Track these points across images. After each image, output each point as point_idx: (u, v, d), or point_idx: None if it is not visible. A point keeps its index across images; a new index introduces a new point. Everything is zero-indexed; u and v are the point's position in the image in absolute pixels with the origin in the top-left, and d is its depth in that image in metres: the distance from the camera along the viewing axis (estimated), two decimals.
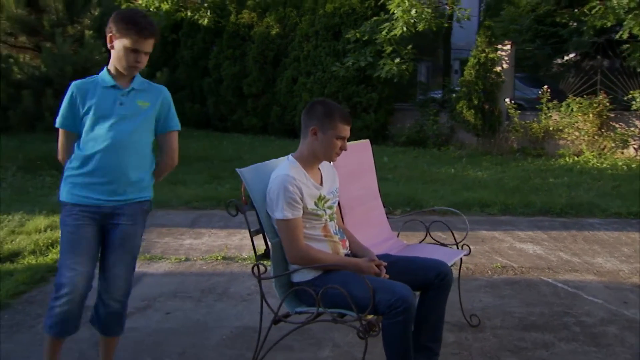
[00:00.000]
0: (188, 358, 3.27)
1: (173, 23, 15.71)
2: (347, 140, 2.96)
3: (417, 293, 2.99)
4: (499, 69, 12.62)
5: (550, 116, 12.22)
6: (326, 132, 2.81)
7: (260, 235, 2.95)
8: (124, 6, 16.32)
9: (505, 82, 12.65)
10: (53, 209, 6.18)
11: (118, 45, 2.66)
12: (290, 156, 2.89)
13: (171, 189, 7.95)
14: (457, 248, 3.82)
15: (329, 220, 2.90)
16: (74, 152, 2.73)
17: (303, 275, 2.83)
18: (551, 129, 12.24)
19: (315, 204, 2.83)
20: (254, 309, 2.78)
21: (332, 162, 3.04)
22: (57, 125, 2.75)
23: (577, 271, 4.98)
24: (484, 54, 12.38)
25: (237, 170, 2.91)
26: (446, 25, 13.20)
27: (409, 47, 12.58)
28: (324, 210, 2.87)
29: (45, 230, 5.54)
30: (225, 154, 10.95)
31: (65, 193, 2.75)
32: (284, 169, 2.81)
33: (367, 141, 3.91)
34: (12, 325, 3.67)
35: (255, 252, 2.88)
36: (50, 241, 5.22)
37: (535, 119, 12.39)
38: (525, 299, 4.31)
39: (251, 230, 2.89)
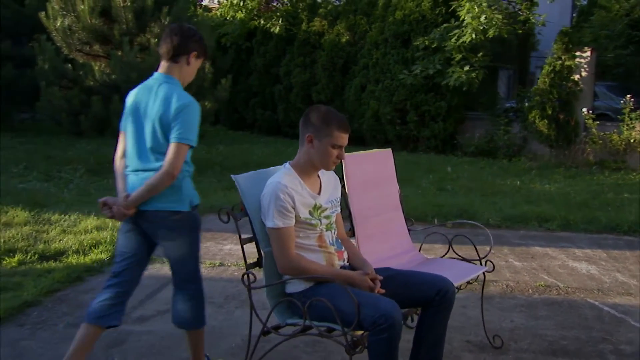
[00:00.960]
0: None
1: (247, 31, 16.04)
2: (346, 149, 2.86)
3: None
4: (577, 77, 12.02)
5: (634, 127, 11.51)
6: (322, 140, 2.73)
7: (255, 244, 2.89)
8: (198, 13, 16.83)
9: (583, 91, 12.02)
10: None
11: (195, 65, 2.90)
12: (287, 164, 2.83)
13: (225, 194, 8.07)
14: (481, 264, 3.62)
15: (325, 230, 2.81)
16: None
17: (295, 286, 2.76)
18: (633, 140, 11.52)
19: (310, 213, 2.75)
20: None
21: (332, 170, 2.95)
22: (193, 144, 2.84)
23: (630, 294, 4.62)
24: (559, 62, 11.82)
25: (232, 176, 2.88)
26: (520, 31, 12.72)
27: (480, 54, 12.22)
28: (319, 219, 2.78)
29: (91, 231, 5.74)
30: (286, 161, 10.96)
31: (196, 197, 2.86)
32: (278, 176, 2.76)
33: (389, 150, 3.79)
34: (38, 323, 3.80)
35: (245, 260, 2.83)
36: (94, 242, 5.40)
37: (615, 130, 11.71)
38: (563, 321, 4.04)
39: (243, 238, 2.84)
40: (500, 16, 11.40)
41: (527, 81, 16.24)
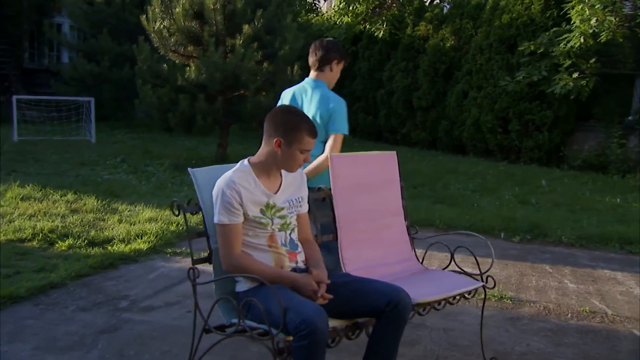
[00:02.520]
0: (166, 357, 3.27)
1: (353, 36, 16.05)
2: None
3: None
4: None
5: None
6: (291, 145, 2.62)
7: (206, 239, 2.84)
8: (311, 19, 17.13)
9: None
10: (166, 204, 6.64)
11: (337, 69, 3.72)
12: (245, 160, 2.75)
13: None
14: (481, 279, 3.32)
15: (277, 230, 2.70)
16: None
17: (240, 285, 2.68)
18: None
19: (262, 211, 2.65)
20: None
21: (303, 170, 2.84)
22: (346, 132, 3.65)
23: None
24: None
25: (189, 170, 2.86)
26: None
27: (592, 60, 11.32)
28: (271, 219, 2.67)
29: (142, 222, 5.98)
30: None
31: None
32: (230, 172, 2.68)
33: (393, 153, 3.58)
34: (52, 304, 3.99)
35: (192, 255, 2.79)
36: (141, 232, 5.61)
37: None
38: (588, 350, 3.61)
39: (190, 232, 2.80)
40: (613, 19, 10.48)
41: None
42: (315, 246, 2.88)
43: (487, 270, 3.32)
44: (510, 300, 4.47)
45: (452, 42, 14.09)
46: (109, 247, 5.22)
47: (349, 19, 15.89)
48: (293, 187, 2.81)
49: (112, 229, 5.73)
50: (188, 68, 9.48)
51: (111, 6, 13.55)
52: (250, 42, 9.40)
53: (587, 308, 4.35)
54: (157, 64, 9.51)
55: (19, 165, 9.03)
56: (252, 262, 2.63)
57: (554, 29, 11.79)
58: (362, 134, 16.21)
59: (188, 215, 2.83)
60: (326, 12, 16.53)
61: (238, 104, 9.57)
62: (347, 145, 12.74)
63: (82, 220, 6.00)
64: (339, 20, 16.35)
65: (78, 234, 5.49)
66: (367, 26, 15.48)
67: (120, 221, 6.05)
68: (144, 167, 9.33)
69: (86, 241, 5.33)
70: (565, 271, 5.33)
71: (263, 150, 2.71)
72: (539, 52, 11.88)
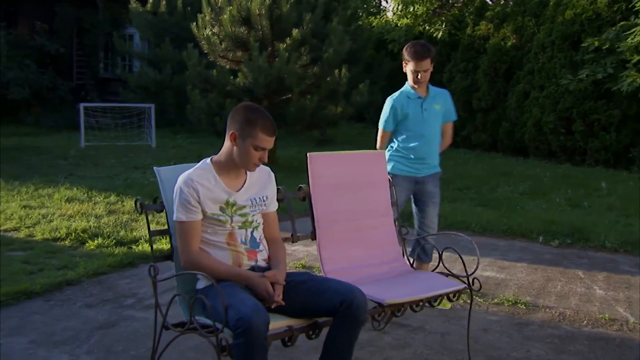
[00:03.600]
0: (141, 357, 3.31)
1: (413, 37, 15.84)
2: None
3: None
4: None
5: None
6: (245, 140, 2.62)
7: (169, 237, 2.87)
8: (372, 22, 17.05)
9: None
10: None
11: (407, 69, 4.05)
12: (208, 159, 2.77)
13: None
14: (468, 281, 3.19)
15: (237, 228, 2.69)
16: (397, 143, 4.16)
17: (200, 283, 2.70)
18: None
19: (222, 209, 2.66)
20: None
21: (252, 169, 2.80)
22: (381, 127, 4.21)
23: None
24: None
25: (154, 169, 2.90)
26: None
27: None
28: (231, 216, 2.67)
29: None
30: None
31: (392, 168, 4.08)
32: (191, 170, 2.71)
33: (382, 152, 3.50)
34: (63, 300, 4.15)
35: (152, 252, 2.82)
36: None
37: None
38: (593, 359, 3.39)
39: (151, 230, 2.84)
40: None
41: None
42: (279, 245, 2.86)
43: (473, 272, 3.17)
44: (525, 306, 4.27)
45: (514, 40, 13.64)
46: (134, 247, 5.38)
47: (408, 21, 15.71)
48: (258, 186, 2.80)
49: (142, 230, 5.91)
50: (239, 73, 9.64)
51: (173, 15, 14.02)
52: (298, 46, 9.47)
53: (606, 315, 4.08)
54: (206, 70, 9.74)
55: (78, 169, 9.49)
56: (208, 259, 2.64)
57: (621, 23, 11.18)
58: None
59: (156, 213, 2.88)
60: (386, 14, 16.40)
61: (284, 107, 9.66)
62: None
63: (115, 221, 6.23)
64: (399, 22, 16.21)
65: (108, 234, 5.69)
66: (427, 27, 15.25)
67: (151, 222, 6.21)
68: None
69: (114, 241, 5.52)
70: (598, 277, 5.03)
71: (224, 147, 2.72)
72: (604, 47, 11.29)
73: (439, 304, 3.18)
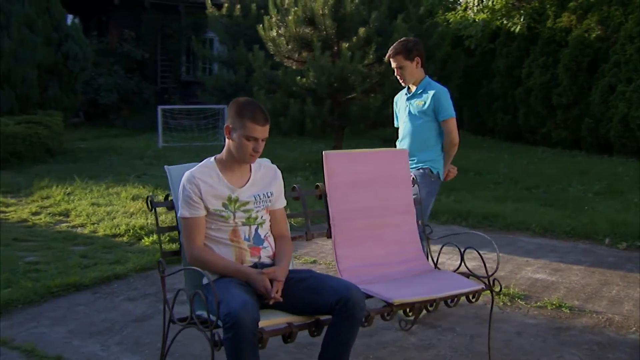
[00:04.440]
0: (176, 346, 3.40)
1: (491, 32, 15.37)
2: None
3: None
4: None
5: None
6: (236, 131, 2.67)
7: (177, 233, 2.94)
8: (450, 17, 16.73)
9: None
10: None
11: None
12: (212, 157, 2.82)
13: None
14: (488, 282, 3.06)
15: (241, 224, 2.72)
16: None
17: (205, 278, 2.74)
18: None
19: (224, 205, 2.70)
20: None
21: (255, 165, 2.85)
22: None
23: None
24: None
25: (165, 167, 2.98)
26: None
27: None
28: (233, 212, 2.71)
29: None
30: (491, 167, 10.28)
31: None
32: (195, 167, 2.77)
33: (405, 151, 3.43)
34: (108, 293, 4.35)
35: (161, 248, 2.89)
36: None
37: None
38: None
39: (160, 226, 2.92)
40: None
41: None
42: (286, 242, 2.87)
43: (493, 273, 3.04)
44: (569, 310, 4.05)
45: (598, 32, 12.93)
46: None
47: (485, 15, 15.24)
48: (263, 183, 2.83)
49: None
50: (307, 73, 9.71)
51: (247, 18, 14.33)
52: (363, 44, 9.42)
53: None
54: (271, 71, 9.89)
55: (151, 168, 9.89)
56: (210, 255, 2.69)
57: None
58: (501, 134, 15.45)
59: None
60: (461, 9, 15.99)
61: (348, 107, 9.64)
62: (477, 146, 12.12)
63: (172, 219, 6.41)
64: (476, 17, 15.76)
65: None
66: (504, 22, 14.74)
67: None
68: None
69: (168, 237, 5.70)
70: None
71: (225, 144, 2.77)
72: None
73: (455, 305, 3.08)
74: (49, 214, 6.69)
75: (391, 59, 4.05)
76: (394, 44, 4.06)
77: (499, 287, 3.08)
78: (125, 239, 5.76)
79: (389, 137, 12.35)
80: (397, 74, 4.09)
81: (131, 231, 5.89)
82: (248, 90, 13.83)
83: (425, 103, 4.02)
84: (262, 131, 2.67)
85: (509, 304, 4.18)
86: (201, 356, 3.30)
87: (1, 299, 4.06)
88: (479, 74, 16.02)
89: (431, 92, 4.02)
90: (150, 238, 5.68)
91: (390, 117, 9.92)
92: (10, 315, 3.92)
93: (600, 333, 3.68)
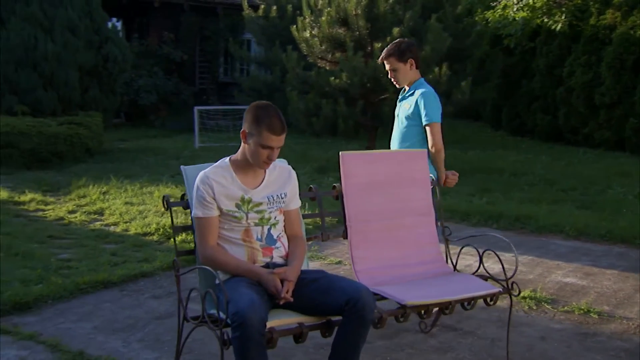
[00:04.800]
0: (195, 344, 3.45)
1: (531, 31, 15.07)
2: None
3: None
4: None
5: None
6: (252, 138, 2.68)
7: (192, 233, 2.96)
8: (489, 16, 16.49)
9: None
10: None
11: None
12: (227, 157, 2.84)
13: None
14: (507, 285, 3.00)
15: (253, 225, 2.74)
16: None
17: (220, 277, 2.77)
18: None
19: (237, 205, 2.72)
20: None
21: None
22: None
23: None
24: None
25: (181, 167, 3.02)
26: None
27: None
28: (246, 213, 2.72)
29: None
30: (528, 168, 10.07)
31: None
32: (209, 168, 2.80)
33: (423, 151, 3.39)
34: (135, 291, 4.43)
35: (176, 248, 2.93)
36: None
37: None
38: None
39: (175, 226, 2.95)
40: None
41: None
42: (299, 243, 2.87)
43: (512, 276, 2.98)
44: (598, 315, 3.94)
45: None
46: None
47: (525, 14, 14.95)
48: (277, 184, 2.83)
49: None
50: (340, 73, 9.70)
51: (284, 19, 14.38)
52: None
53: None
54: (304, 72, 9.91)
55: None
56: (223, 255, 2.72)
57: None
58: (541, 135, 15.12)
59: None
60: (499, 7, 15.71)
61: (381, 107, 9.59)
62: (513, 147, 11.89)
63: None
64: (516, 15, 15.48)
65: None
66: (545, 20, 14.44)
67: None
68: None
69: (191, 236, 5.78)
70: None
71: (241, 146, 2.79)
72: None
73: (472, 308, 3.02)
74: (85, 212, 6.85)
75: (384, 61, 3.97)
76: (388, 46, 4.00)
77: (518, 291, 3.01)
78: (155, 237, 5.86)
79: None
80: (390, 76, 4.02)
81: (161, 230, 5.98)
82: (283, 90, 13.88)
83: (411, 106, 3.94)
84: (278, 140, 2.66)
85: (534, 307, 4.09)
86: (218, 355, 3.32)
87: (32, 295, 4.17)
88: (518, 74, 15.71)
89: (417, 95, 3.91)
90: (180, 237, 5.75)
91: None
92: (40, 310, 4.03)
93: (629, 340, 3.57)
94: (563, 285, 4.57)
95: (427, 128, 3.86)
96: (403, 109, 3.99)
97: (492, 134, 16.16)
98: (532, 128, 15.47)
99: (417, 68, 3.96)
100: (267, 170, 2.82)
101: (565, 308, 4.08)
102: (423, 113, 3.85)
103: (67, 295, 4.26)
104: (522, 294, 4.22)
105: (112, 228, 6.28)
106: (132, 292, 4.40)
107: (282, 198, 2.82)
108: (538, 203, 7.41)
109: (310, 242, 3.42)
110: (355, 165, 3.21)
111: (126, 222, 6.37)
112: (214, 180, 2.72)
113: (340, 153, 3.24)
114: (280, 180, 2.85)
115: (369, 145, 10.19)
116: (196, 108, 13.44)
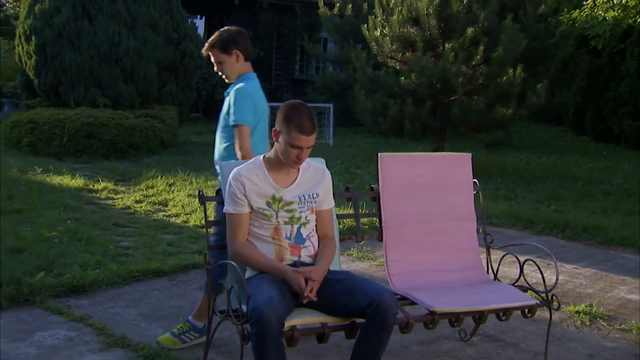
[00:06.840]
0: (224, 334, 3.49)
1: (621, 31, 14.31)
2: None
3: None
4: None
5: None
6: (282, 137, 2.68)
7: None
8: (576, 15, 15.82)
9: None
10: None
11: None
12: (261, 155, 2.85)
13: (500, 203, 7.61)
14: (547, 297, 2.86)
15: (282, 223, 2.73)
16: None
17: (247, 273, 2.79)
18: None
19: (268, 204, 2.72)
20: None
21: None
22: None
23: None
24: None
25: (217, 162, 3.06)
26: None
27: None
28: (276, 212, 2.72)
29: None
30: (605, 177, 9.57)
31: None
32: (243, 164, 2.82)
33: (468, 155, 3.28)
34: (184, 281, 4.53)
35: (208, 242, 2.96)
36: None
37: None
38: None
39: (208, 220, 2.99)
40: None
41: None
42: (329, 243, 2.85)
43: (552, 289, 2.84)
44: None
45: None
46: None
47: (616, 13, 14.21)
48: (310, 184, 2.82)
49: None
50: (409, 73, 9.58)
51: (359, 18, 14.35)
52: (469, 45, 9.13)
53: None
54: (373, 71, 9.85)
55: None
56: (251, 251, 2.73)
57: None
58: (627, 142, 14.34)
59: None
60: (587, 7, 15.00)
61: (450, 108, 9.39)
62: (595, 153, 11.26)
63: None
64: (606, 15, 14.75)
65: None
66: (638, 20, 13.67)
67: None
68: (354, 169, 9.76)
69: None
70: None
71: (274, 145, 2.79)
72: None
73: (508, 319, 2.90)
74: (150, 202, 7.09)
75: (208, 53, 3.45)
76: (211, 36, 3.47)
77: (557, 304, 2.86)
78: (211, 230, 5.96)
79: (493, 141, 11.95)
80: (217, 70, 3.47)
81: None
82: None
83: (227, 103, 3.42)
84: (307, 140, 2.65)
85: (588, 323, 3.88)
86: (247, 348, 3.36)
87: (89, 279, 4.35)
88: (605, 77, 14.98)
89: (231, 91, 3.41)
90: None
91: (495, 120, 9.57)
92: (94, 294, 4.21)
93: None
94: (625, 301, 4.32)
95: (234, 129, 3.31)
96: (224, 106, 3.45)
97: (573, 139, 15.48)
98: (618, 134, 14.70)
99: (246, 60, 3.46)
100: (300, 170, 2.81)
101: (622, 326, 3.85)
102: (231, 112, 3.32)
103: (120, 281, 4.42)
104: (575, 309, 4.04)
105: (173, 219, 6.46)
106: (181, 283, 4.52)
107: (313, 198, 2.81)
108: (611, 214, 7.05)
109: (344, 242, 3.39)
110: (394, 167, 3.16)
111: (187, 214, 6.54)
112: (246, 178, 2.74)
113: (378, 154, 3.20)
114: (314, 180, 2.84)
115: (436, 147, 10.01)
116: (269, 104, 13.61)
